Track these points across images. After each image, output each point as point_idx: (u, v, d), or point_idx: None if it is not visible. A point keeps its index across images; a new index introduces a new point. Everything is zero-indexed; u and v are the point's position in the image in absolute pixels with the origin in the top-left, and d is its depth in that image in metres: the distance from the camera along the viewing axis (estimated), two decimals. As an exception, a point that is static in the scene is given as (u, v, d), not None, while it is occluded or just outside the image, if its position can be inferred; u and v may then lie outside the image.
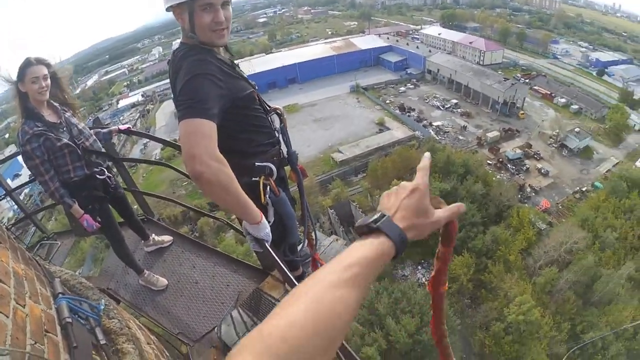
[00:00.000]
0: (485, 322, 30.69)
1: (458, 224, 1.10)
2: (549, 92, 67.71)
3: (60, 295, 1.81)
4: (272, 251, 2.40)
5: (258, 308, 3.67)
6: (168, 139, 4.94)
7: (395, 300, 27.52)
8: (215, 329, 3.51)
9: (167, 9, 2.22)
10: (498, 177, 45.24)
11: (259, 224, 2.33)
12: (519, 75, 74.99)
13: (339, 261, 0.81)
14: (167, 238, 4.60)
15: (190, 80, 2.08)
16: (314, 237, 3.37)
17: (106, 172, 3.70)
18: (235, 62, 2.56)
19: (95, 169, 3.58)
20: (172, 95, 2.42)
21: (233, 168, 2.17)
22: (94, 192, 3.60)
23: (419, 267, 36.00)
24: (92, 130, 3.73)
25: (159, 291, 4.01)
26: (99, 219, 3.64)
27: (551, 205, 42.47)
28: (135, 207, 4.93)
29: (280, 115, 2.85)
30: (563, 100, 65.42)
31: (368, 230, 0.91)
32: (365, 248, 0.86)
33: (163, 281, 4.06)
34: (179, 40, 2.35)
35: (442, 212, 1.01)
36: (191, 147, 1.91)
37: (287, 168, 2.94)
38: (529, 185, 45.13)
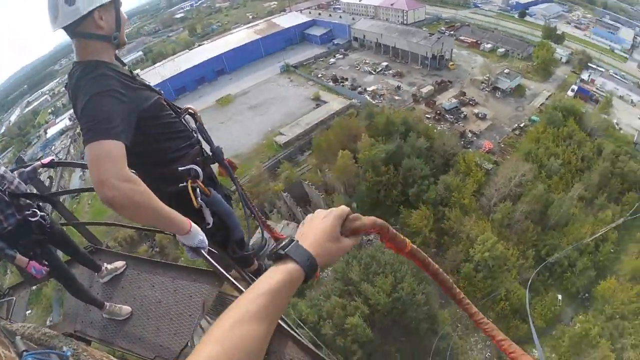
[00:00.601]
0: (454, 266, 31.57)
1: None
2: (474, 40, 69.24)
3: (24, 353, 1.84)
4: (207, 256, 2.42)
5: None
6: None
7: (366, 265, 27.78)
8: (189, 343, 3.45)
9: (89, 13, 2.06)
10: (439, 128, 45.85)
11: (189, 232, 2.29)
12: (443, 28, 75.95)
13: (249, 293, 0.87)
14: (119, 264, 4.40)
15: (90, 101, 1.97)
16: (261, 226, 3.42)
17: (39, 213, 3.47)
18: (135, 71, 2.53)
19: (27, 212, 3.37)
20: None
21: (157, 179, 2.40)
22: (31, 236, 3.42)
23: None
24: (14, 172, 3.56)
25: (125, 320, 3.86)
26: (46, 263, 3.47)
27: (494, 146, 43.63)
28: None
29: (193, 115, 2.81)
30: (489, 45, 67.15)
31: (277, 257, 0.97)
32: (274, 276, 0.91)
33: (126, 309, 3.90)
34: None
35: (352, 240, 1.13)
36: (98, 173, 1.84)
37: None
38: (470, 130, 46.02)
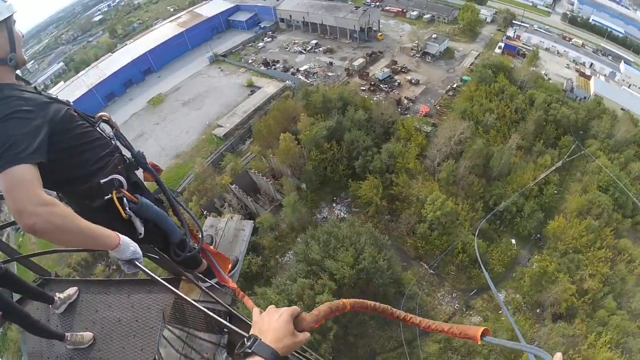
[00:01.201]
0: (409, 228, 32.52)
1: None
2: (400, 9, 70.31)
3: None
4: (142, 267, 2.37)
5: (184, 317, 3.70)
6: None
7: (325, 242, 27.87)
8: (156, 356, 3.40)
9: None
10: (375, 99, 46.20)
11: (118, 246, 2.21)
12: (368, 0, 76.21)
13: None
14: (72, 291, 4.19)
15: None
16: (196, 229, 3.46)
17: None
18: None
19: None
20: None
21: (80, 195, 2.40)
22: None
23: (334, 205, 36.67)
24: None
25: (89, 347, 3.71)
26: None
27: (430, 109, 44.43)
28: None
29: (108, 121, 2.77)
30: (415, 13, 68.48)
31: (244, 355, 1.14)
32: None
33: (88, 335, 3.72)
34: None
35: (306, 335, 1.32)
36: (14, 202, 1.78)
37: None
38: (405, 97, 46.64)
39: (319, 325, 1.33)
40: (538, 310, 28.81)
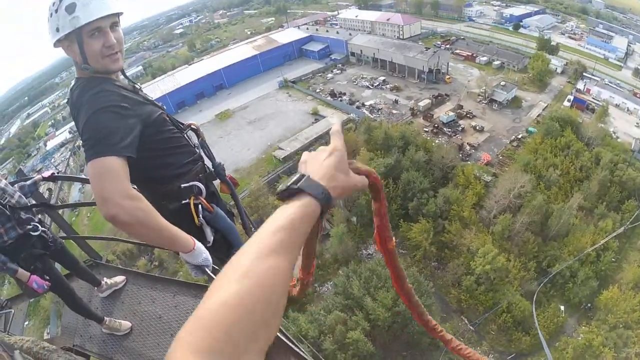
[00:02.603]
0: (455, 279, 31.55)
1: (382, 180, 1.19)
2: (470, 53, 69.80)
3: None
4: (211, 274, 2.35)
5: None
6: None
7: (366, 280, 27.75)
8: None
9: (55, 45, 2.12)
10: (437, 141, 45.97)
11: (193, 250, 2.25)
12: (439, 42, 76.88)
13: (264, 229, 0.81)
14: (119, 279, 4.40)
15: (92, 117, 1.96)
16: None
17: (40, 227, 3.46)
18: (138, 85, 2.48)
19: (28, 226, 3.36)
20: None
21: (159, 196, 2.37)
22: (32, 250, 3.41)
23: None
24: (15, 185, 3.59)
25: (124, 335, 3.84)
26: (47, 277, 3.45)
27: (492, 158, 43.67)
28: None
29: (196, 131, 2.78)
30: (485, 58, 67.67)
31: (289, 194, 0.91)
32: (289, 211, 0.86)
33: (126, 324, 3.87)
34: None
35: (361, 178, 1.08)
36: (101, 190, 1.83)
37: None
38: (468, 143, 46.04)
39: (371, 180, 1.13)
40: (577, 386, 26.87)
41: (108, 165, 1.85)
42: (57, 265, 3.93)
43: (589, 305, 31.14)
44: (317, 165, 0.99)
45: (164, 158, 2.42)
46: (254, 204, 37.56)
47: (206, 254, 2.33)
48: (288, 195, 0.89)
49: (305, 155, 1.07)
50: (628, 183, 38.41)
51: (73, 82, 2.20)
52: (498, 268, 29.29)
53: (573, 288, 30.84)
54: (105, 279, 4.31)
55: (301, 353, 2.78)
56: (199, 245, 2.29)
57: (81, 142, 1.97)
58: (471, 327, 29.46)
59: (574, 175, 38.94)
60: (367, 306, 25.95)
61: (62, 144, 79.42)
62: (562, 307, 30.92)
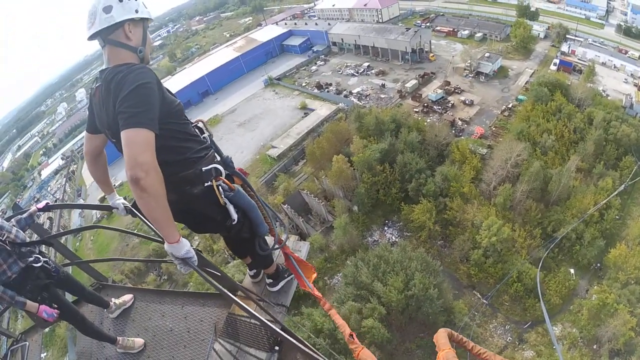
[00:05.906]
0: (463, 255, 31.62)
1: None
2: (451, 29, 69.71)
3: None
4: (198, 269, 2.54)
5: (237, 332, 3.67)
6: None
7: (375, 266, 27.69)
8: None
9: (125, 22, 2.44)
10: (428, 121, 45.78)
11: (177, 242, 2.35)
12: (419, 21, 76.42)
13: None
14: (127, 297, 4.46)
15: (136, 89, 2.19)
16: (279, 229, 3.50)
17: (41, 258, 3.52)
18: None
19: (30, 259, 3.42)
20: None
21: (181, 182, 2.60)
22: (37, 281, 3.48)
23: (385, 228, 36.41)
24: (12, 220, 3.61)
25: (139, 352, 3.89)
26: (55, 305, 3.56)
27: (485, 130, 43.53)
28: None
29: (202, 128, 2.98)
30: (466, 32, 67.55)
31: None
32: None
33: (139, 341, 3.94)
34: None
35: None
36: (138, 154, 2.06)
37: None
38: (459, 118, 45.91)
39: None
40: (595, 347, 26.73)
41: (148, 136, 2.14)
42: (67, 295, 4.04)
43: (599, 265, 31.16)
44: None
45: (183, 142, 2.64)
46: (254, 204, 37.39)
47: (189, 248, 2.44)
48: None
49: None
50: (623, 139, 38.12)
51: (104, 72, 2.45)
52: (504, 239, 29.22)
53: (581, 250, 30.79)
54: (113, 299, 4.38)
55: (308, 351, 2.80)
56: (184, 240, 2.40)
57: (118, 110, 2.20)
58: (484, 301, 29.54)
59: (568, 138, 38.74)
60: (379, 291, 25.91)
61: (57, 171, 79.31)
62: (572, 270, 30.84)
